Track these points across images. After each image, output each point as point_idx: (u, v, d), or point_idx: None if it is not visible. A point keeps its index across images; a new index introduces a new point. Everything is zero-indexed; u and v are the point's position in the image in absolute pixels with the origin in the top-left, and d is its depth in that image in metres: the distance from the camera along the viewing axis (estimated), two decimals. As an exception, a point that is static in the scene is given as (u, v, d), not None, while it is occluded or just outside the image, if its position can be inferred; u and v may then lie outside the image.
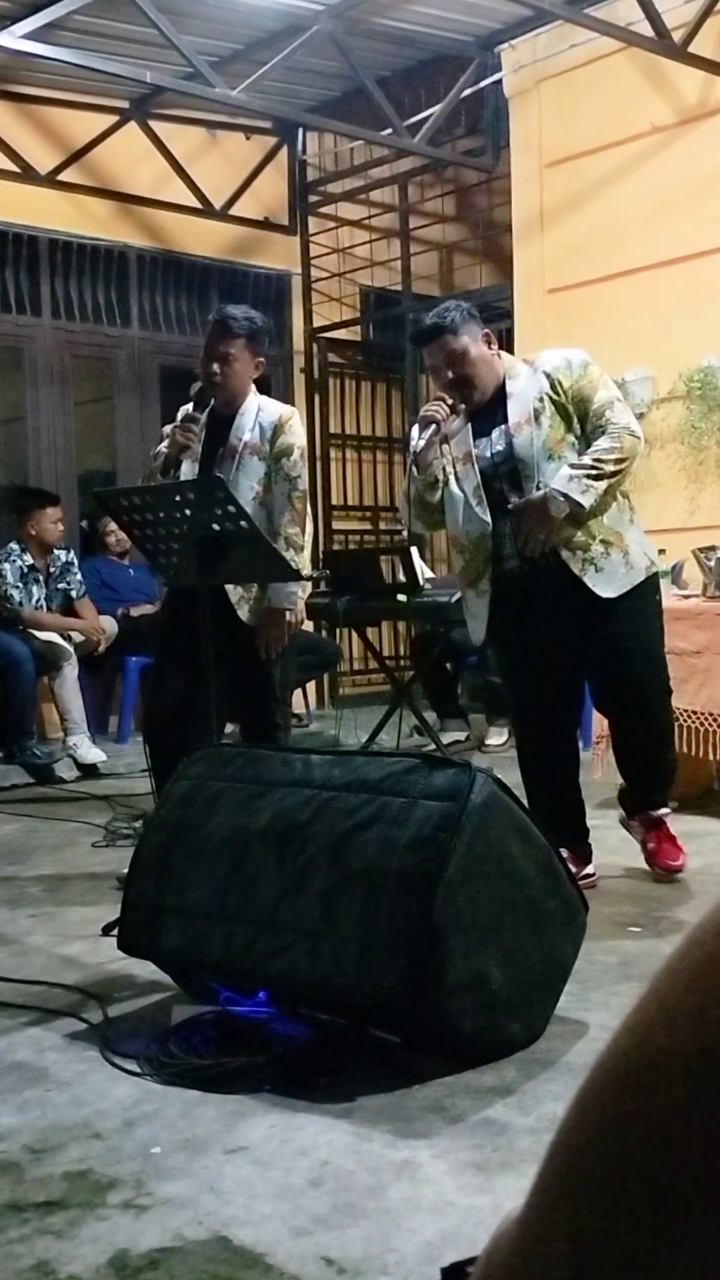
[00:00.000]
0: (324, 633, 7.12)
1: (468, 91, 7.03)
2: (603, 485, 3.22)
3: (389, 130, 6.88)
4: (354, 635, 7.24)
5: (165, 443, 3.82)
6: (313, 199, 8.45)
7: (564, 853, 2.70)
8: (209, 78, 5.92)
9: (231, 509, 3.28)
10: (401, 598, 5.44)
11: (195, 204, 7.70)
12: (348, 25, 6.40)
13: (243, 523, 3.29)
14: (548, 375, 3.32)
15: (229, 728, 4.42)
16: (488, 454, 3.37)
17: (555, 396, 3.29)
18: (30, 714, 5.91)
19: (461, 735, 6.42)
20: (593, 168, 6.66)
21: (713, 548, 4.61)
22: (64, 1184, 1.86)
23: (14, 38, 5.51)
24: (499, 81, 7.03)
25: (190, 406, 3.80)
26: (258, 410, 3.82)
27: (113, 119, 7.34)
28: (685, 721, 4.20)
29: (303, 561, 3.79)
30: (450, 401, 3.36)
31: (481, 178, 7.81)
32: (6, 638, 5.89)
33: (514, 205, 7.13)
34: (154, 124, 7.46)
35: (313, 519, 4.08)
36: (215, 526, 3.31)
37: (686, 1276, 0.55)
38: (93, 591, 6.63)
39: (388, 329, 8.65)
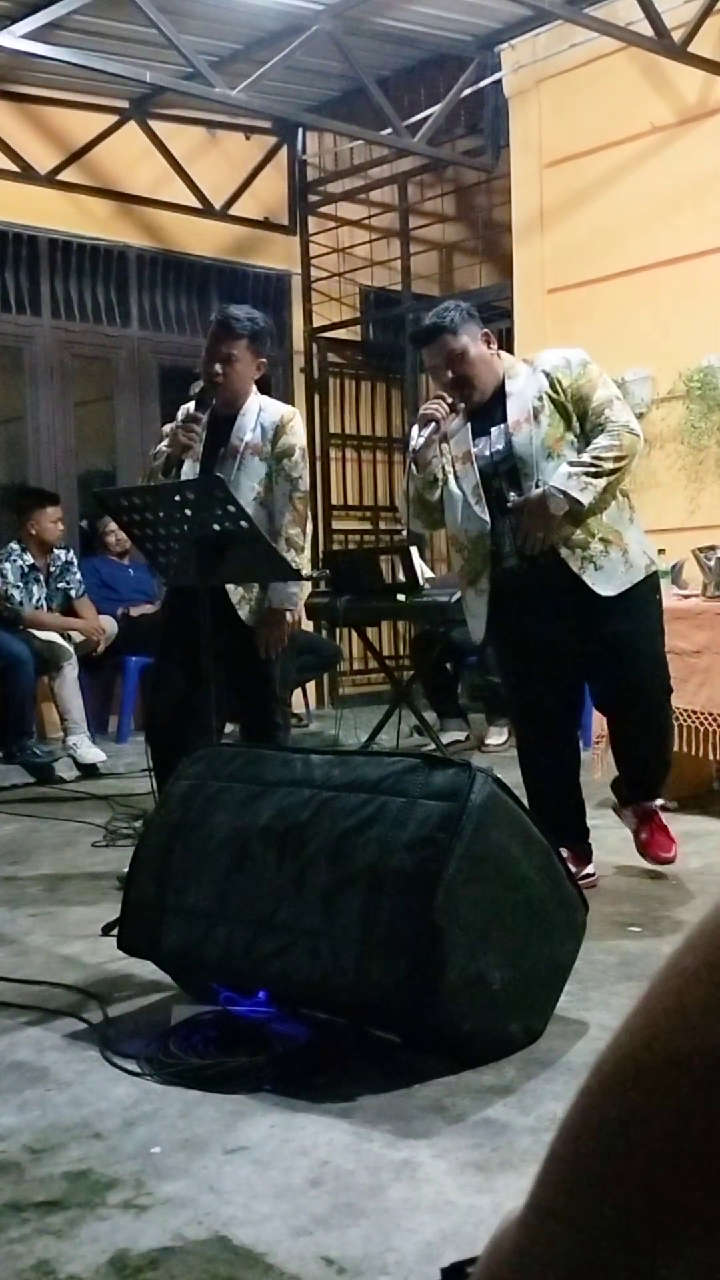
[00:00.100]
0: (324, 633, 7.12)
1: (467, 91, 7.03)
2: (602, 483, 3.22)
3: (389, 130, 6.88)
4: (354, 635, 7.24)
5: (166, 442, 3.82)
6: (312, 199, 8.45)
7: (564, 852, 2.70)
8: (209, 77, 5.92)
9: (231, 509, 3.28)
10: (401, 597, 5.44)
11: (195, 204, 7.69)
12: (347, 25, 6.40)
13: (243, 523, 3.29)
14: (547, 374, 3.32)
15: (229, 727, 4.42)
16: (487, 453, 3.38)
17: (554, 395, 3.30)
18: (30, 714, 5.91)
19: (461, 735, 6.42)
20: (592, 167, 6.66)
21: (713, 547, 4.61)
22: (64, 1184, 1.86)
23: (14, 37, 5.51)
24: (499, 81, 7.03)
25: (191, 406, 3.79)
26: (259, 411, 3.82)
27: (112, 119, 7.34)
28: (685, 721, 4.20)
29: (303, 562, 3.79)
30: (449, 400, 3.36)
31: (481, 177, 7.81)
32: (7, 638, 5.89)
33: (514, 205, 7.13)
34: (154, 124, 7.46)
35: (312, 519, 4.09)
36: (215, 526, 3.31)
37: (688, 1277, 0.55)
38: (93, 591, 6.63)
39: (387, 329, 8.64)
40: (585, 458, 3.24)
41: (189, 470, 3.78)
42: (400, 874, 2.21)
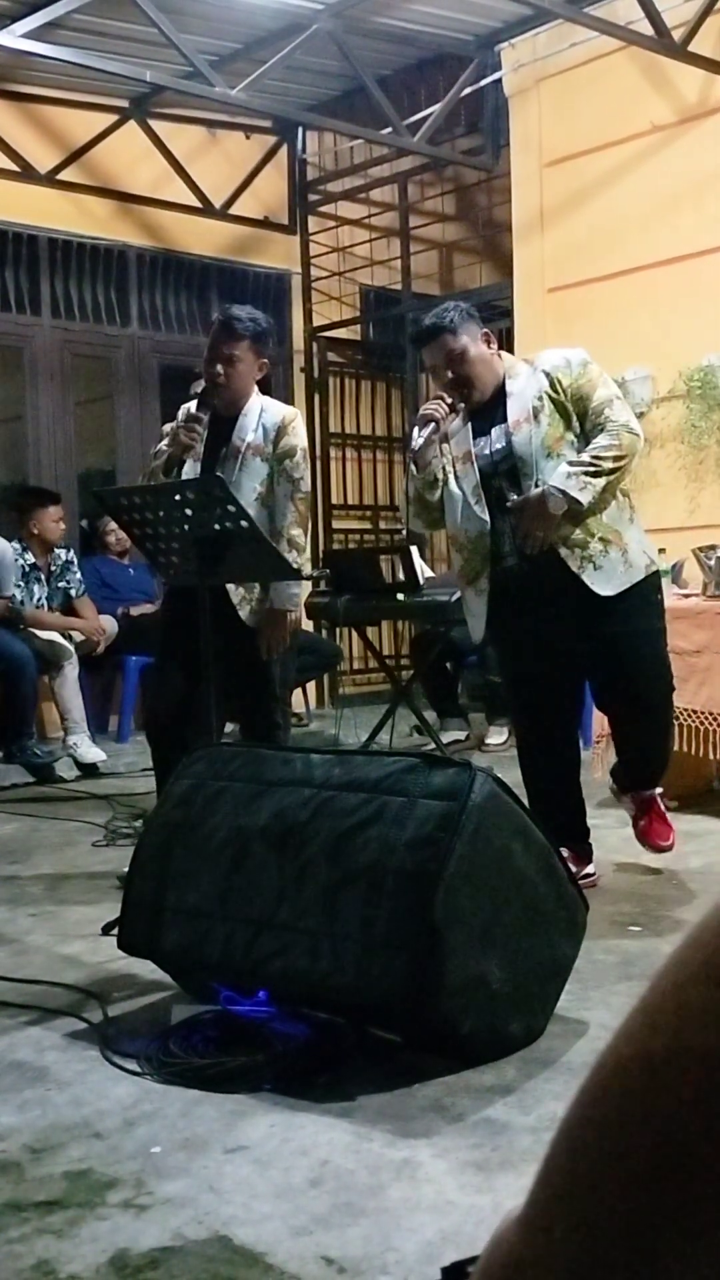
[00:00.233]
0: (324, 632, 7.12)
1: (467, 90, 7.03)
2: (601, 483, 3.22)
3: (389, 129, 6.87)
4: (354, 634, 7.24)
5: (166, 441, 3.82)
6: (312, 198, 8.45)
7: (564, 852, 2.70)
8: (209, 77, 5.92)
9: (231, 508, 3.28)
10: (401, 597, 5.44)
11: (195, 203, 7.69)
12: (347, 24, 6.40)
13: (243, 522, 3.29)
14: (547, 374, 3.32)
15: (229, 727, 4.42)
16: (487, 452, 3.38)
17: (554, 395, 3.30)
18: (31, 715, 5.90)
19: (461, 734, 6.42)
20: (592, 167, 6.66)
21: (713, 547, 4.61)
22: (64, 1183, 1.86)
23: (14, 37, 5.51)
24: (499, 80, 7.03)
25: (193, 406, 3.80)
26: (260, 411, 3.82)
27: (112, 118, 7.34)
28: (685, 721, 4.20)
29: (303, 562, 3.79)
30: (449, 400, 3.36)
31: (481, 177, 7.81)
32: (9, 638, 5.88)
33: (514, 204, 7.13)
34: (154, 123, 7.46)
35: (312, 518, 4.09)
36: (215, 526, 3.31)
37: (689, 1277, 0.55)
38: (93, 591, 6.63)
39: (388, 328, 8.64)
40: (584, 457, 3.24)
41: (190, 471, 3.78)
42: (400, 873, 2.21)
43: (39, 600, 6.29)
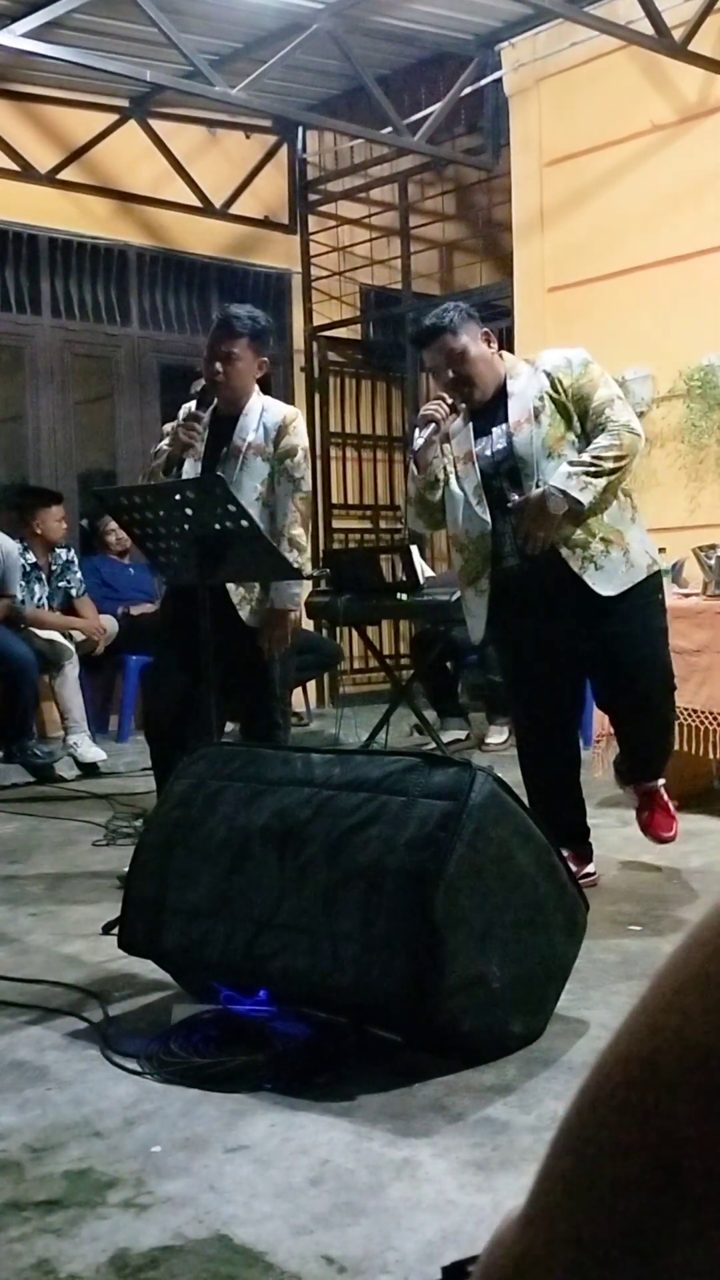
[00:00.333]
0: (324, 632, 7.12)
1: (468, 90, 7.03)
2: (602, 482, 3.22)
3: (389, 129, 6.87)
4: (354, 634, 7.24)
5: (167, 440, 3.82)
6: (313, 197, 8.44)
7: (564, 851, 2.70)
8: (209, 76, 5.92)
9: (232, 508, 3.28)
10: (402, 596, 5.44)
11: (195, 203, 7.69)
12: (348, 24, 6.40)
13: (243, 522, 3.29)
14: (548, 374, 3.32)
15: (229, 726, 4.42)
16: (488, 453, 3.37)
17: (555, 395, 3.29)
18: (32, 715, 5.91)
19: (462, 734, 6.42)
20: (593, 166, 6.66)
21: (713, 546, 4.61)
22: (64, 1183, 1.86)
23: (14, 36, 5.51)
24: (499, 80, 7.03)
25: (193, 405, 3.80)
26: (261, 411, 3.82)
27: (113, 118, 7.33)
28: (685, 720, 4.20)
29: (304, 561, 3.79)
30: (450, 400, 3.36)
31: (481, 176, 7.81)
32: (13, 639, 5.87)
33: (514, 204, 7.13)
34: (154, 123, 7.45)
35: (312, 518, 4.09)
36: (216, 526, 3.31)
37: (688, 1276, 0.55)
38: (93, 590, 6.63)
39: (388, 328, 8.64)
40: (585, 457, 3.23)
41: (190, 470, 3.78)
42: (400, 873, 2.21)
43: (40, 600, 6.30)
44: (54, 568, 6.36)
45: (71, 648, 6.13)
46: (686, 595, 4.68)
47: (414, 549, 5.47)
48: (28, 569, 6.22)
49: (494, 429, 3.37)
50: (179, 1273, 1.59)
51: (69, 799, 5.29)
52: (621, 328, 6.33)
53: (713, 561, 4.55)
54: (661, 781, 3.59)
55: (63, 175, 7.25)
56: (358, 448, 8.72)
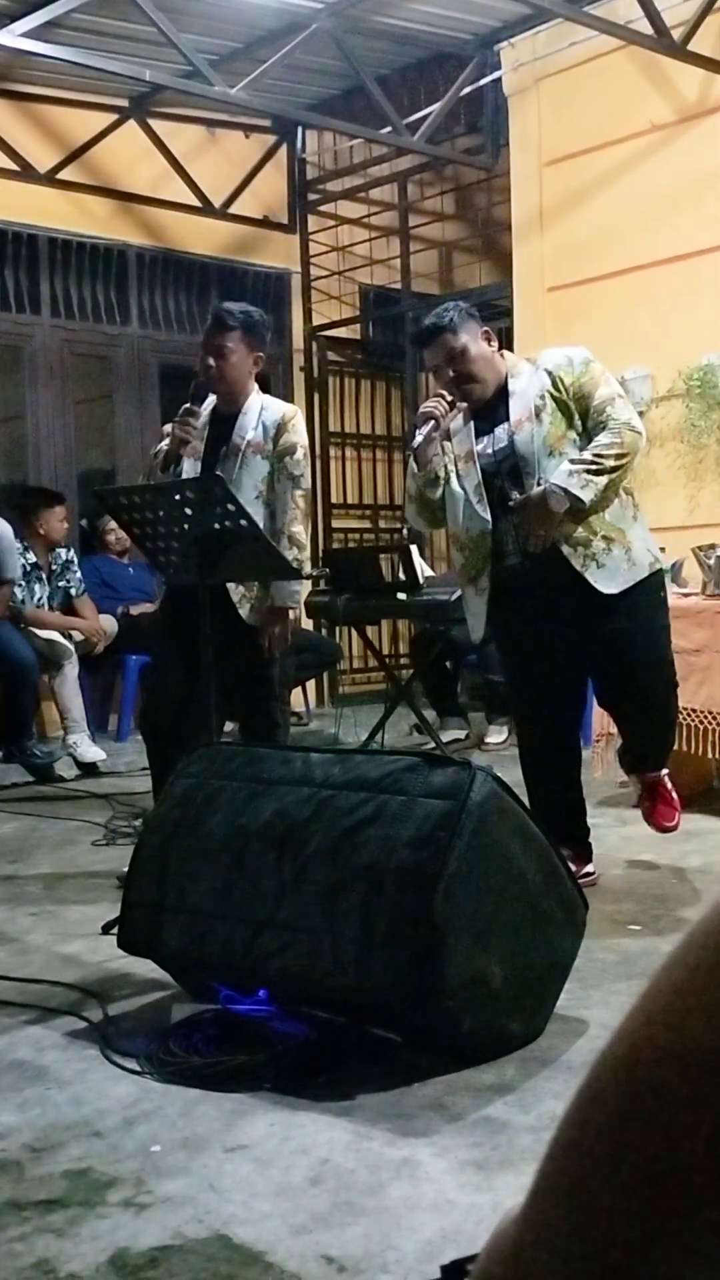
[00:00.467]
0: (323, 631, 7.12)
1: (467, 90, 7.03)
2: (603, 480, 3.22)
3: (388, 128, 6.87)
4: (353, 633, 7.24)
5: (166, 442, 3.83)
6: (312, 197, 8.44)
7: (564, 851, 2.70)
8: (208, 76, 5.92)
9: (231, 507, 3.28)
10: (401, 596, 5.44)
11: (195, 202, 7.69)
12: (347, 23, 6.39)
13: (242, 521, 3.29)
14: (549, 373, 3.32)
15: (228, 726, 4.42)
16: (489, 451, 3.38)
17: (556, 393, 3.29)
18: (31, 716, 5.91)
19: (461, 733, 6.42)
20: (592, 166, 6.66)
21: (712, 546, 4.61)
22: (64, 1182, 1.86)
23: (13, 36, 5.51)
24: (498, 79, 7.03)
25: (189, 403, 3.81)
26: (260, 409, 3.83)
27: (112, 117, 7.33)
28: (685, 720, 4.20)
29: (304, 559, 3.80)
30: (450, 398, 3.37)
31: (481, 176, 7.81)
32: (15, 640, 5.86)
33: (513, 203, 7.12)
34: (153, 122, 7.45)
35: (312, 517, 4.09)
36: (215, 525, 3.31)
37: (687, 1276, 0.55)
38: (93, 590, 6.63)
39: (387, 327, 8.64)
40: (586, 455, 3.23)
41: (190, 469, 3.79)
42: (400, 872, 2.21)
43: (40, 600, 6.30)
44: (54, 567, 6.36)
45: (71, 647, 6.13)
46: (686, 595, 4.68)
47: (414, 548, 5.47)
48: (28, 569, 6.23)
49: (495, 428, 3.37)
50: (178, 1272, 1.60)
51: (68, 799, 5.30)
52: (621, 327, 6.33)
53: (712, 561, 4.55)
54: (665, 772, 3.59)
55: (62, 175, 7.24)
56: (357, 447, 8.72)
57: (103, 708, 6.95)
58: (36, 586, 6.28)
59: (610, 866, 3.70)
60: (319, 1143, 1.96)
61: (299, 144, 8.32)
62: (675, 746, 3.82)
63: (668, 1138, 0.54)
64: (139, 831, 3.74)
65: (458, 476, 3.43)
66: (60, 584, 6.39)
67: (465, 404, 3.40)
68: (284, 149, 8.26)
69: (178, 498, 3.39)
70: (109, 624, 6.62)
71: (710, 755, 4.32)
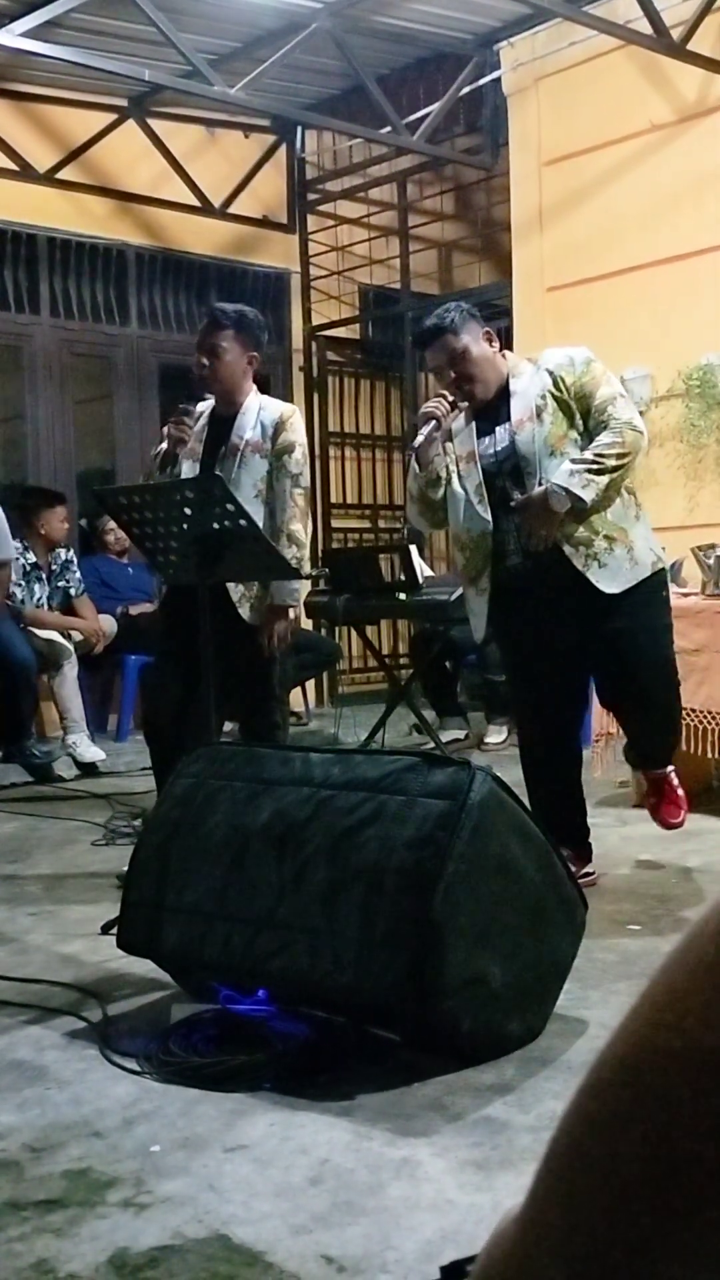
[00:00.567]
0: (323, 631, 7.12)
1: (466, 89, 7.03)
2: (604, 480, 3.22)
3: (388, 128, 6.87)
4: (353, 633, 7.24)
5: (165, 443, 3.84)
6: (311, 197, 8.44)
7: (564, 851, 2.69)
8: (207, 76, 5.92)
9: (230, 507, 3.28)
10: (401, 596, 5.44)
11: (194, 202, 7.69)
12: (346, 23, 6.39)
13: (242, 521, 3.29)
14: (550, 373, 3.32)
15: (227, 726, 4.42)
16: (491, 452, 3.37)
17: (557, 393, 3.29)
18: (31, 717, 5.90)
19: (460, 733, 6.42)
20: (591, 166, 6.66)
21: (712, 545, 4.60)
22: (63, 1182, 1.86)
23: (12, 35, 5.51)
24: (498, 79, 7.03)
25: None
26: (259, 409, 3.84)
27: (111, 117, 7.33)
28: (684, 719, 4.19)
29: (303, 558, 3.80)
30: (451, 398, 3.37)
31: (480, 176, 7.81)
32: (16, 640, 5.85)
33: (513, 203, 7.12)
34: (153, 122, 7.45)
35: (311, 517, 4.10)
36: (214, 525, 3.31)
37: (685, 1275, 0.55)
38: (92, 590, 6.63)
39: (387, 327, 8.64)
40: (587, 455, 3.23)
41: (189, 470, 3.80)
42: (399, 872, 2.21)
43: (39, 600, 6.30)
44: (54, 567, 6.36)
45: (70, 648, 6.13)
46: (685, 595, 4.67)
47: (413, 548, 5.47)
48: (27, 569, 6.23)
49: (497, 428, 3.37)
50: (178, 1272, 1.59)
51: (68, 799, 5.29)
52: (620, 327, 6.33)
53: (711, 561, 4.55)
54: (670, 768, 3.59)
55: (61, 175, 7.24)
56: (356, 447, 8.72)
57: (102, 708, 6.95)
58: (36, 586, 6.28)
59: (610, 866, 3.70)
60: (319, 1142, 1.96)
61: (298, 144, 8.32)
62: (680, 728, 3.82)
63: (668, 1138, 0.54)
64: (138, 831, 3.74)
65: (459, 477, 3.42)
66: (60, 584, 6.39)
67: (467, 404, 3.40)
68: (283, 149, 8.26)
69: (177, 498, 3.39)
70: (108, 624, 6.62)
71: (710, 755, 4.32)
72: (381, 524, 8.78)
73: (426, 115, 6.99)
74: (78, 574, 6.47)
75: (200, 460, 3.83)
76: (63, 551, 6.41)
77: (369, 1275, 1.57)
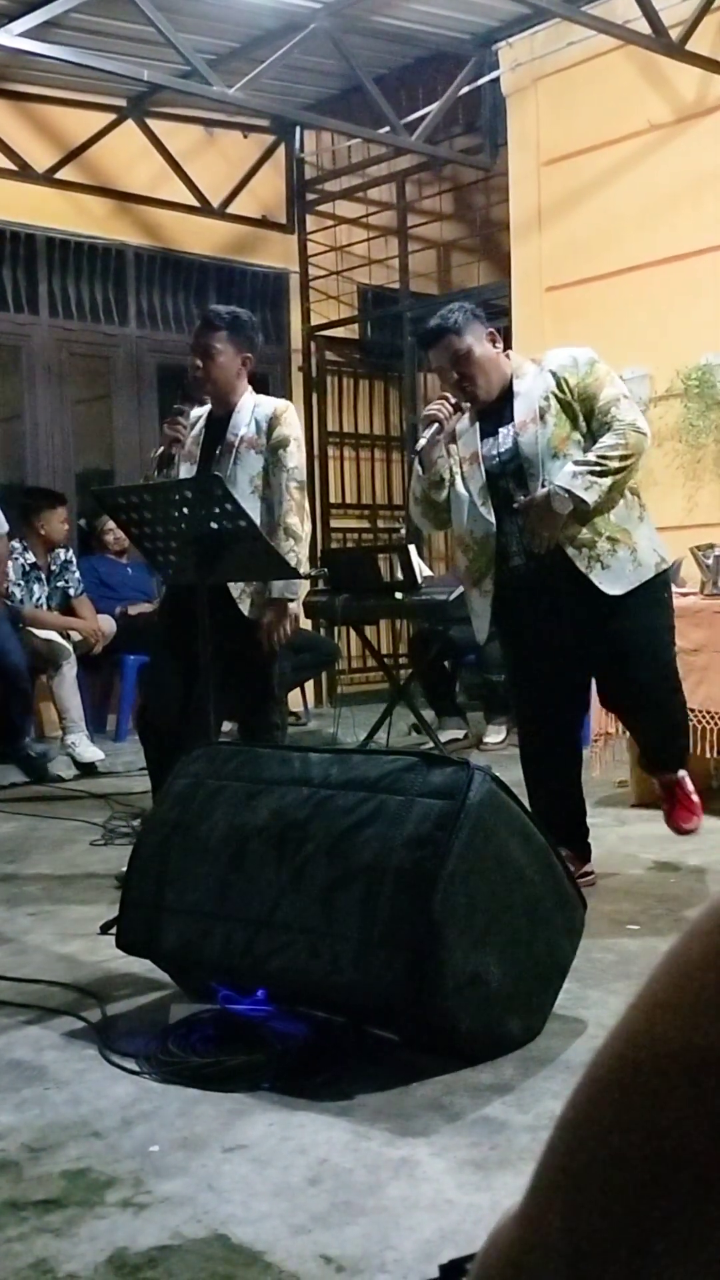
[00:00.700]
0: (322, 631, 7.12)
1: (465, 89, 7.03)
2: (607, 482, 3.21)
3: (386, 128, 6.88)
4: (352, 633, 7.24)
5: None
6: (310, 197, 8.44)
7: (563, 851, 2.69)
8: (206, 76, 5.92)
9: (229, 507, 3.28)
10: (399, 596, 5.44)
11: (193, 202, 7.69)
12: (345, 23, 6.40)
13: (241, 521, 3.29)
14: (554, 374, 3.31)
15: (226, 726, 4.42)
16: (494, 453, 3.37)
17: (560, 395, 3.28)
18: (29, 718, 5.90)
19: (459, 733, 6.42)
20: (590, 166, 6.66)
21: (710, 546, 4.61)
22: (63, 1182, 1.86)
23: (11, 36, 5.51)
24: (496, 79, 7.03)
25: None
26: (253, 406, 3.86)
27: (110, 117, 7.33)
28: (684, 720, 4.20)
29: (301, 552, 3.80)
30: (453, 400, 3.36)
31: (479, 176, 7.81)
32: (11, 642, 5.84)
33: (512, 203, 7.13)
34: (151, 122, 7.45)
35: (310, 517, 4.11)
36: (213, 525, 3.31)
37: (684, 1274, 0.55)
38: (91, 590, 6.63)
39: (386, 327, 8.64)
40: (590, 456, 3.23)
41: (186, 471, 3.81)
42: (399, 872, 2.21)
43: (38, 600, 6.30)
44: (53, 568, 6.36)
45: (69, 648, 6.13)
46: (684, 595, 4.67)
47: (412, 548, 5.47)
48: (27, 568, 6.23)
49: (500, 429, 3.36)
50: (177, 1272, 1.59)
51: (67, 799, 5.29)
52: (619, 327, 6.33)
53: (710, 561, 4.55)
54: (683, 773, 3.59)
55: (60, 175, 7.24)
56: (355, 447, 8.72)
57: (101, 708, 6.95)
58: (35, 586, 6.28)
59: (609, 866, 3.70)
60: (318, 1142, 1.96)
61: (297, 144, 8.33)
62: (686, 731, 3.82)
63: (666, 1137, 0.54)
64: (137, 831, 3.74)
65: (462, 479, 3.42)
66: (59, 584, 6.39)
67: (469, 406, 3.39)
68: (282, 149, 8.26)
69: (176, 498, 3.39)
70: (107, 624, 6.62)
71: (709, 755, 4.32)
72: (380, 524, 8.78)
73: (425, 115, 6.99)
74: (77, 574, 6.47)
75: (197, 461, 3.84)
76: (62, 552, 6.41)
77: (368, 1275, 1.57)
